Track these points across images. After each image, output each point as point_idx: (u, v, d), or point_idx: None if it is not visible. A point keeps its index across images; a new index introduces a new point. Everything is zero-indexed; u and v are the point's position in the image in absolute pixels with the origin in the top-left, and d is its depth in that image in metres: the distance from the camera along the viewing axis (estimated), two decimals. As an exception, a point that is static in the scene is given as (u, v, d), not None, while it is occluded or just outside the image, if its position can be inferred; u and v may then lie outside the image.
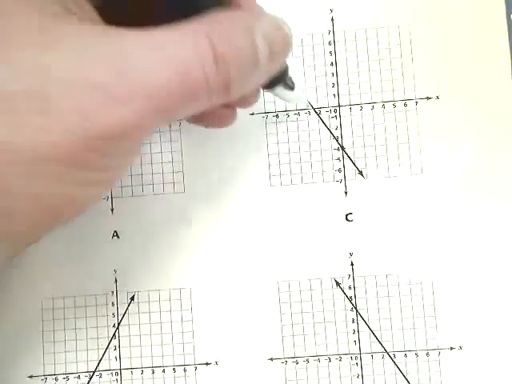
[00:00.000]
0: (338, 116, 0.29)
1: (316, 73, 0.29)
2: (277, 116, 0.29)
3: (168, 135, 0.29)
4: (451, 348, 0.28)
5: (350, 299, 0.28)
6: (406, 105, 0.29)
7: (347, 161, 0.29)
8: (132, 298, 0.29)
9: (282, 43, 0.21)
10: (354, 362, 0.28)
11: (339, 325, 0.28)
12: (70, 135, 0.17)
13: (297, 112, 0.29)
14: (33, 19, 0.17)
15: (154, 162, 0.29)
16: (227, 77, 0.19)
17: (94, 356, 0.29)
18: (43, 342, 0.29)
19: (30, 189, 0.18)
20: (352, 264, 0.28)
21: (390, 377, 0.28)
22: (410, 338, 0.28)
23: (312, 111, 0.29)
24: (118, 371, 0.28)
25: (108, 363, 0.28)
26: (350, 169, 0.29)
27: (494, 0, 0.28)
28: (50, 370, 0.28)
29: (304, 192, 0.29)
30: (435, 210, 0.28)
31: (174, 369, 0.28)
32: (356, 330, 0.28)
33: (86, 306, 0.29)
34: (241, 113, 0.27)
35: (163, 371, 0.28)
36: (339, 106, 0.29)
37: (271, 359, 0.28)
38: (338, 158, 0.29)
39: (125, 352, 0.28)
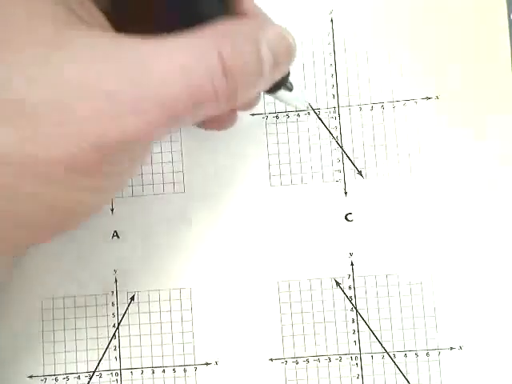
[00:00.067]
0: (337, 116, 0.29)
1: (315, 73, 0.29)
2: (277, 117, 0.29)
3: (168, 135, 0.29)
4: (451, 348, 0.28)
5: (350, 299, 0.28)
6: (405, 105, 0.29)
7: (347, 161, 0.29)
8: (132, 298, 0.29)
9: (285, 53, 0.22)
10: (354, 362, 0.28)
11: (339, 325, 0.28)
12: (86, 144, 0.17)
13: (296, 113, 0.29)
14: (47, 30, 0.18)
15: (153, 162, 0.29)
16: (234, 88, 0.19)
17: (94, 356, 0.28)
18: (43, 342, 0.28)
19: (43, 196, 0.18)
20: (352, 264, 0.28)
21: (390, 377, 0.28)
22: (410, 338, 0.28)
23: (312, 112, 0.29)
24: (118, 371, 0.28)
25: (108, 363, 0.28)
26: (349, 169, 0.29)
27: (494, 0, 0.29)
28: (49, 370, 0.28)
29: (304, 192, 0.29)
30: (435, 210, 0.28)
31: (174, 369, 0.28)
32: (356, 330, 0.28)
33: (85, 306, 0.29)
34: (241, 113, 0.27)
35: (163, 371, 0.28)
36: (338, 106, 0.29)
37: (271, 359, 0.28)
38: (338, 158, 0.29)
39: (125, 352, 0.28)
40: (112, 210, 0.29)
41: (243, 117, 0.28)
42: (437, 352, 0.28)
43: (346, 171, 0.29)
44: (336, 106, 0.29)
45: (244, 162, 0.29)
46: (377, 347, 0.28)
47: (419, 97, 0.29)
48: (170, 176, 0.29)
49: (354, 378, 0.28)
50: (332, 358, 0.28)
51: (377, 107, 0.29)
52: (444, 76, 0.29)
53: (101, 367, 0.28)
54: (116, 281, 0.29)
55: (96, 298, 0.29)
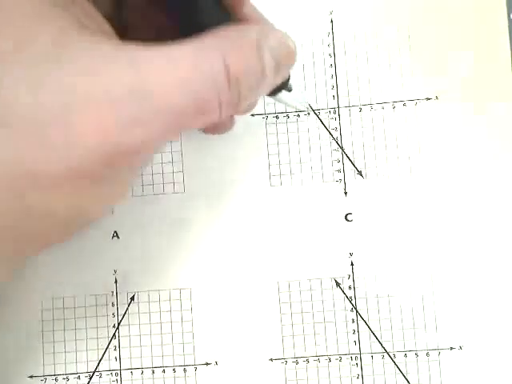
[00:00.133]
0: (337, 117, 0.29)
1: (315, 74, 0.29)
2: (277, 117, 0.29)
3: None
4: (451, 348, 0.28)
5: (349, 299, 0.28)
6: (405, 105, 0.29)
7: (347, 161, 0.29)
8: (132, 298, 0.29)
9: (287, 58, 0.22)
10: (354, 362, 0.28)
11: (339, 325, 0.28)
12: (90, 153, 0.17)
13: (296, 113, 0.29)
14: (51, 40, 0.18)
15: (154, 162, 0.29)
16: (238, 96, 0.20)
17: (94, 356, 0.28)
18: (43, 342, 0.28)
19: (47, 203, 0.18)
20: (352, 264, 0.28)
21: (390, 377, 0.28)
22: (410, 338, 0.28)
23: (312, 112, 0.29)
24: (118, 371, 0.28)
25: (108, 363, 0.28)
26: (349, 169, 0.29)
27: (494, 0, 0.29)
28: (49, 370, 0.28)
29: (304, 192, 0.29)
30: (435, 210, 0.28)
31: (174, 369, 0.28)
32: (356, 330, 0.28)
33: (85, 306, 0.29)
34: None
35: (163, 371, 0.28)
36: (338, 107, 0.29)
37: (271, 359, 0.28)
38: (338, 159, 0.29)
39: (125, 352, 0.28)
40: (112, 210, 0.29)
41: (243, 117, 0.28)
42: (437, 352, 0.28)
43: (345, 171, 0.29)
44: (336, 106, 0.29)
45: (244, 162, 0.29)
46: (377, 347, 0.28)
47: (419, 97, 0.29)
48: (170, 176, 0.29)
49: (354, 378, 0.28)
50: (332, 358, 0.28)
51: (377, 108, 0.29)
52: (444, 76, 0.29)
53: (101, 367, 0.28)
54: (116, 281, 0.29)
55: (96, 298, 0.29)
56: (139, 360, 0.28)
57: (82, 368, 0.28)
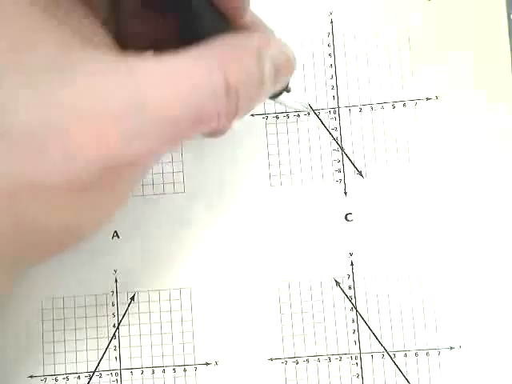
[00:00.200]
0: (337, 117, 0.29)
1: (315, 74, 0.29)
2: (277, 117, 0.29)
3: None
4: (451, 348, 0.28)
5: (350, 299, 0.28)
6: (405, 105, 0.29)
7: (347, 161, 0.29)
8: (132, 298, 0.29)
9: (286, 67, 0.22)
10: (354, 361, 0.28)
11: (339, 325, 0.28)
12: (89, 166, 0.17)
13: (296, 113, 0.29)
14: (51, 52, 0.17)
15: (154, 162, 0.29)
16: (236, 106, 0.20)
17: (94, 356, 0.28)
18: (43, 342, 0.28)
19: (46, 215, 0.18)
20: (352, 264, 0.28)
21: (390, 377, 0.28)
22: (410, 337, 0.28)
23: (312, 112, 0.29)
24: (118, 371, 0.28)
25: (108, 363, 0.28)
26: (349, 169, 0.29)
27: (493, 0, 0.29)
28: (49, 370, 0.28)
29: (304, 192, 0.29)
30: (435, 210, 0.28)
31: (174, 369, 0.28)
32: (356, 330, 0.28)
33: (85, 306, 0.29)
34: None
35: (163, 371, 0.28)
36: (338, 107, 0.29)
37: (271, 359, 0.28)
38: (338, 159, 0.29)
39: (125, 352, 0.28)
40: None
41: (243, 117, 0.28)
42: (437, 352, 0.28)
43: (345, 171, 0.29)
44: (336, 106, 0.29)
45: (244, 161, 0.29)
46: (377, 347, 0.28)
47: (419, 97, 0.29)
48: (170, 176, 0.29)
49: (354, 378, 0.28)
50: (332, 357, 0.28)
51: (377, 108, 0.29)
52: (444, 76, 0.29)
53: (101, 367, 0.28)
54: (116, 281, 0.29)
55: (96, 298, 0.29)
56: (139, 360, 0.28)
57: (81, 368, 0.28)
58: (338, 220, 0.29)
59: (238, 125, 0.27)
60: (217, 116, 0.19)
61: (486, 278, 0.28)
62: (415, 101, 0.29)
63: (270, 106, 0.29)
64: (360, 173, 0.29)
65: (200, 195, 0.29)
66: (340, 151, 0.29)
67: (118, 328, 0.29)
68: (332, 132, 0.29)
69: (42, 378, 0.28)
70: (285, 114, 0.29)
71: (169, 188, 0.29)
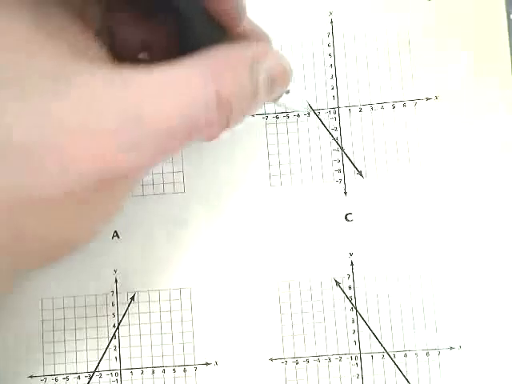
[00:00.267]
0: (337, 117, 0.29)
1: (315, 75, 0.29)
2: (277, 117, 0.29)
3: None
4: (451, 348, 0.28)
5: (349, 299, 0.28)
6: (405, 105, 0.29)
7: (347, 161, 0.29)
8: (132, 298, 0.29)
9: (281, 80, 0.22)
10: (354, 362, 0.28)
11: (339, 325, 0.28)
12: (86, 178, 0.17)
13: (296, 113, 0.29)
14: (51, 65, 0.18)
15: (154, 162, 0.29)
16: (228, 118, 0.20)
17: (94, 356, 0.28)
18: (43, 342, 0.28)
19: (43, 225, 0.18)
20: (352, 264, 0.28)
21: (390, 377, 0.28)
22: (410, 337, 0.28)
23: (312, 112, 0.29)
24: (118, 371, 0.28)
25: (108, 363, 0.28)
26: (349, 169, 0.29)
27: (493, 0, 0.29)
28: (49, 370, 0.28)
29: (304, 192, 0.29)
30: (435, 210, 0.28)
31: (174, 369, 0.28)
32: (356, 330, 0.28)
33: (85, 306, 0.29)
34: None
35: (163, 371, 0.28)
36: (338, 107, 0.29)
37: (271, 359, 0.28)
38: (338, 159, 0.29)
39: (125, 352, 0.28)
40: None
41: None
42: (437, 352, 0.28)
43: (345, 171, 0.29)
44: (336, 106, 0.29)
45: (244, 162, 0.29)
46: (377, 347, 0.28)
47: (419, 97, 0.29)
48: (170, 176, 0.29)
49: (354, 378, 0.28)
50: (332, 357, 0.28)
51: (377, 108, 0.29)
52: (444, 76, 0.29)
53: (101, 367, 0.28)
54: (116, 281, 0.29)
55: (96, 298, 0.29)
56: (139, 360, 0.28)
57: (81, 368, 0.28)
58: (337, 220, 0.29)
59: (238, 125, 0.27)
60: (209, 126, 0.19)
61: (486, 278, 0.28)
62: (415, 101, 0.29)
63: (270, 106, 0.29)
64: (360, 173, 0.29)
65: (200, 195, 0.29)
66: (340, 151, 0.29)
67: (118, 328, 0.29)
68: (332, 132, 0.29)
69: (42, 377, 0.28)
70: (285, 114, 0.29)
71: (169, 188, 0.29)
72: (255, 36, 0.23)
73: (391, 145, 0.29)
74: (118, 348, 0.28)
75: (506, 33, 0.29)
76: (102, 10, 0.22)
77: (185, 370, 0.28)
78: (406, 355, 0.28)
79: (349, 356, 0.28)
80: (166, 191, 0.29)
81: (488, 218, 0.28)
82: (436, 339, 0.28)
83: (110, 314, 0.29)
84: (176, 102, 0.18)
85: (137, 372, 0.28)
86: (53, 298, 0.29)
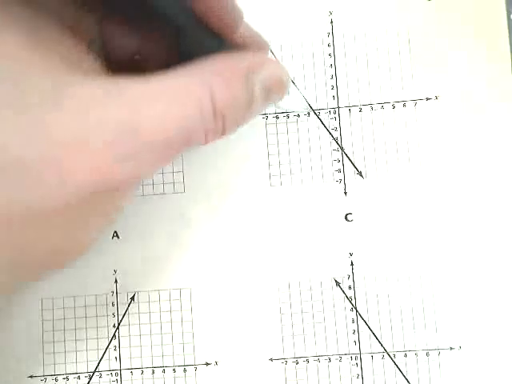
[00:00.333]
0: (337, 117, 0.29)
1: (315, 75, 0.29)
2: (277, 117, 0.29)
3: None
4: (451, 348, 0.28)
5: (349, 299, 0.28)
6: (405, 105, 0.29)
7: (347, 161, 0.29)
8: (132, 298, 0.29)
9: (277, 89, 0.23)
10: (354, 362, 0.28)
11: (339, 325, 0.28)
12: (84, 190, 0.18)
13: (296, 113, 0.29)
14: (46, 79, 0.18)
15: (154, 162, 0.29)
16: (223, 127, 0.20)
17: (94, 356, 0.28)
18: (43, 342, 0.28)
19: (41, 235, 0.19)
20: (352, 264, 0.28)
21: (390, 377, 0.28)
22: (410, 338, 0.28)
23: (311, 112, 0.29)
24: (118, 371, 0.28)
25: (108, 363, 0.28)
26: (349, 169, 0.29)
27: (493, 0, 0.29)
28: (49, 370, 0.28)
29: (304, 192, 0.29)
30: (435, 211, 0.28)
31: (174, 369, 0.28)
32: (356, 330, 0.28)
33: (85, 306, 0.29)
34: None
35: (163, 371, 0.28)
36: (338, 107, 0.29)
37: (271, 359, 0.28)
38: (338, 159, 0.29)
39: (125, 352, 0.28)
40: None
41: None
42: (437, 352, 0.28)
43: (345, 171, 0.29)
44: (336, 106, 0.29)
45: (244, 162, 0.29)
46: (377, 347, 0.28)
47: (419, 97, 0.29)
48: (170, 176, 0.29)
49: (354, 378, 0.28)
50: (332, 358, 0.28)
51: (377, 108, 0.29)
52: (444, 76, 0.29)
53: (101, 367, 0.28)
54: (116, 281, 0.29)
55: (96, 298, 0.29)
56: (139, 360, 0.28)
57: (82, 368, 0.28)
58: (337, 220, 0.29)
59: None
60: (204, 135, 0.20)
61: (486, 278, 0.28)
62: (415, 101, 0.29)
63: (270, 106, 0.29)
64: (360, 173, 0.29)
65: (200, 195, 0.29)
66: (340, 151, 0.29)
67: (118, 328, 0.29)
68: (332, 132, 0.29)
69: (42, 377, 0.28)
70: (285, 114, 0.29)
71: (169, 188, 0.29)
72: (253, 43, 0.23)
73: (391, 145, 0.29)
74: (118, 348, 0.28)
75: (506, 33, 0.29)
76: (95, 21, 0.22)
77: (185, 370, 0.28)
78: (405, 355, 0.28)
79: (349, 356, 0.28)
80: (166, 191, 0.29)
81: (488, 218, 0.28)
82: (436, 339, 0.28)
83: (110, 313, 0.29)
84: (172, 112, 0.19)
85: (137, 372, 0.28)
86: (53, 298, 0.29)
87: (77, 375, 0.28)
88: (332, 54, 0.29)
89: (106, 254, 0.29)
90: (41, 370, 0.28)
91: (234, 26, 0.21)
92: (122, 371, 0.28)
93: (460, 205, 0.28)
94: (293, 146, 0.29)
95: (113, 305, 0.29)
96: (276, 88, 0.22)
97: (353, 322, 0.28)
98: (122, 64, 0.22)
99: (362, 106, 0.29)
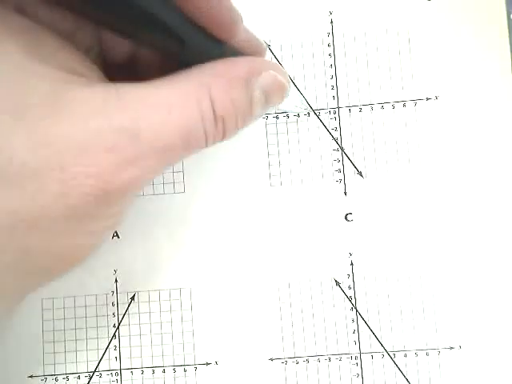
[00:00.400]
0: (337, 117, 0.29)
1: (315, 75, 0.29)
2: (277, 117, 0.29)
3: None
4: (451, 348, 0.28)
5: (349, 299, 0.28)
6: (405, 105, 0.29)
7: (347, 161, 0.29)
8: (132, 298, 0.29)
9: (278, 94, 0.23)
10: (354, 361, 0.28)
11: (339, 325, 0.28)
12: (86, 196, 0.18)
13: (296, 113, 0.29)
14: (46, 87, 0.18)
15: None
16: (224, 131, 0.21)
17: (94, 356, 0.29)
18: (43, 342, 0.29)
19: (45, 242, 0.19)
20: (352, 264, 0.28)
21: (390, 377, 0.28)
22: (410, 337, 0.28)
23: (311, 112, 0.29)
24: (118, 371, 0.28)
25: (108, 363, 0.28)
26: (349, 169, 0.29)
27: (493, 0, 0.29)
28: (50, 370, 0.28)
29: (304, 192, 0.29)
30: (435, 211, 0.28)
31: (174, 369, 0.28)
32: (356, 330, 0.28)
33: (86, 306, 0.29)
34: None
35: (163, 371, 0.28)
36: (338, 107, 0.29)
37: (271, 359, 0.28)
38: (338, 159, 0.29)
39: (125, 352, 0.28)
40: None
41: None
42: (436, 352, 0.28)
43: (345, 171, 0.29)
44: (336, 106, 0.29)
45: (244, 162, 0.29)
46: (377, 347, 0.28)
47: (419, 97, 0.29)
48: (170, 176, 0.29)
49: (354, 378, 0.28)
50: (332, 357, 0.28)
51: (377, 108, 0.29)
52: (444, 76, 0.29)
53: (101, 367, 0.28)
54: (116, 281, 0.29)
55: (96, 298, 0.29)
56: (139, 360, 0.28)
57: (81, 368, 0.28)
58: (337, 220, 0.29)
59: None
60: (205, 140, 0.20)
61: (486, 278, 0.28)
62: (415, 101, 0.29)
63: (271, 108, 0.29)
64: (360, 173, 0.29)
65: (200, 195, 0.29)
66: (340, 151, 0.29)
67: (118, 328, 0.29)
68: (332, 132, 0.29)
69: (42, 377, 0.28)
70: (285, 114, 0.29)
71: (169, 188, 0.29)
72: (251, 47, 0.23)
73: (391, 145, 0.29)
74: (118, 348, 0.28)
75: (506, 33, 0.28)
76: (93, 29, 0.22)
77: (185, 370, 0.28)
78: (405, 355, 0.28)
79: (349, 356, 0.28)
80: (166, 191, 0.29)
81: (488, 218, 0.28)
82: (436, 339, 0.28)
83: (110, 313, 0.29)
84: (172, 117, 0.19)
85: (137, 372, 0.28)
86: (53, 298, 0.29)
87: (77, 375, 0.28)
88: (332, 54, 0.29)
89: (105, 254, 0.29)
90: (41, 369, 0.28)
91: (232, 29, 0.21)
92: (122, 371, 0.28)
93: (460, 205, 0.28)
94: (293, 146, 0.29)
95: (113, 305, 0.29)
96: (276, 91, 0.22)
97: (353, 321, 0.28)
98: (119, 70, 0.22)
99: (362, 106, 0.29)
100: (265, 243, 0.29)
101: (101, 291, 0.29)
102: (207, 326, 0.28)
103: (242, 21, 0.21)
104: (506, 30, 0.29)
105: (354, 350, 0.28)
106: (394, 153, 0.29)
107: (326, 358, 0.28)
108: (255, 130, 0.29)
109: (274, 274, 0.28)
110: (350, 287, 0.28)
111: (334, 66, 0.29)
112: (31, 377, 0.28)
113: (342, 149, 0.29)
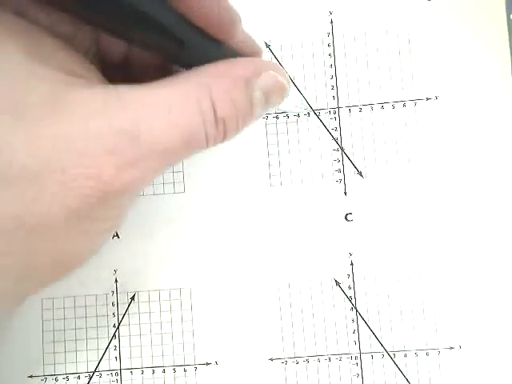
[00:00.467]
0: (337, 117, 0.29)
1: (315, 75, 0.29)
2: (277, 117, 0.29)
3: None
4: (451, 348, 0.28)
5: (349, 299, 0.28)
6: (405, 105, 0.29)
7: (347, 161, 0.29)
8: (132, 298, 0.29)
9: (278, 94, 0.23)
10: (354, 361, 0.28)
11: (339, 325, 0.28)
12: (86, 198, 0.18)
13: (296, 113, 0.29)
14: (46, 88, 0.18)
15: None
16: (224, 133, 0.21)
17: (94, 356, 0.29)
18: (43, 342, 0.29)
19: (46, 243, 0.19)
20: (352, 264, 0.28)
21: (390, 377, 0.28)
22: (410, 337, 0.28)
23: (311, 112, 0.29)
24: (118, 371, 0.28)
25: (108, 363, 0.28)
26: (349, 169, 0.29)
27: (493, 0, 0.29)
28: (50, 370, 0.28)
29: (304, 192, 0.29)
30: (435, 211, 0.28)
31: (174, 369, 0.28)
32: (356, 330, 0.28)
33: (85, 306, 0.29)
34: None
35: (163, 371, 0.28)
36: (338, 107, 0.29)
37: (271, 359, 0.28)
38: (338, 159, 0.29)
39: (125, 352, 0.28)
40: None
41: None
42: (436, 352, 0.28)
43: (345, 171, 0.29)
44: (336, 106, 0.29)
45: (244, 162, 0.29)
46: (377, 347, 0.28)
47: (419, 97, 0.29)
48: (170, 176, 0.29)
49: (354, 378, 0.28)
50: (332, 357, 0.28)
51: (377, 108, 0.29)
52: (444, 76, 0.29)
53: (101, 367, 0.28)
54: (116, 281, 0.29)
55: (96, 298, 0.29)
56: (139, 360, 0.28)
57: (81, 368, 0.28)
58: (337, 220, 0.29)
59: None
60: (205, 141, 0.20)
61: (486, 278, 0.28)
62: (415, 101, 0.29)
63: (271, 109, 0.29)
64: (360, 173, 0.29)
65: (200, 195, 0.29)
66: (340, 151, 0.29)
67: (118, 328, 0.29)
68: (332, 132, 0.29)
69: (42, 377, 0.28)
70: (285, 114, 0.29)
71: (169, 188, 0.29)
72: (248, 49, 0.23)
73: (391, 145, 0.29)
74: (118, 348, 0.28)
75: (506, 33, 0.29)
76: (91, 31, 0.22)
77: (185, 370, 0.28)
78: (405, 355, 0.28)
79: (349, 356, 0.28)
80: (165, 191, 0.29)
81: (488, 218, 0.28)
82: (436, 339, 0.28)
83: (110, 313, 0.29)
84: (172, 118, 0.19)
85: (137, 372, 0.28)
86: (53, 298, 0.29)
87: (77, 375, 0.28)
88: (332, 54, 0.29)
89: (106, 254, 0.29)
90: (41, 369, 0.28)
91: (231, 29, 0.21)
92: (122, 371, 0.28)
93: (460, 205, 0.28)
94: (293, 146, 0.29)
95: (113, 305, 0.29)
96: (276, 92, 0.22)
97: (353, 321, 0.28)
98: (117, 71, 0.22)
99: (362, 106, 0.29)
100: (265, 243, 0.29)
101: (101, 291, 0.29)
102: (207, 326, 0.28)
103: (241, 21, 0.21)
104: (506, 31, 0.29)
105: (354, 350, 0.28)
106: (394, 153, 0.29)
107: (326, 358, 0.28)
108: (255, 130, 0.29)
109: (274, 274, 0.28)
110: (350, 287, 0.28)
111: (333, 66, 0.29)
112: (31, 377, 0.28)
113: (342, 149, 0.29)
